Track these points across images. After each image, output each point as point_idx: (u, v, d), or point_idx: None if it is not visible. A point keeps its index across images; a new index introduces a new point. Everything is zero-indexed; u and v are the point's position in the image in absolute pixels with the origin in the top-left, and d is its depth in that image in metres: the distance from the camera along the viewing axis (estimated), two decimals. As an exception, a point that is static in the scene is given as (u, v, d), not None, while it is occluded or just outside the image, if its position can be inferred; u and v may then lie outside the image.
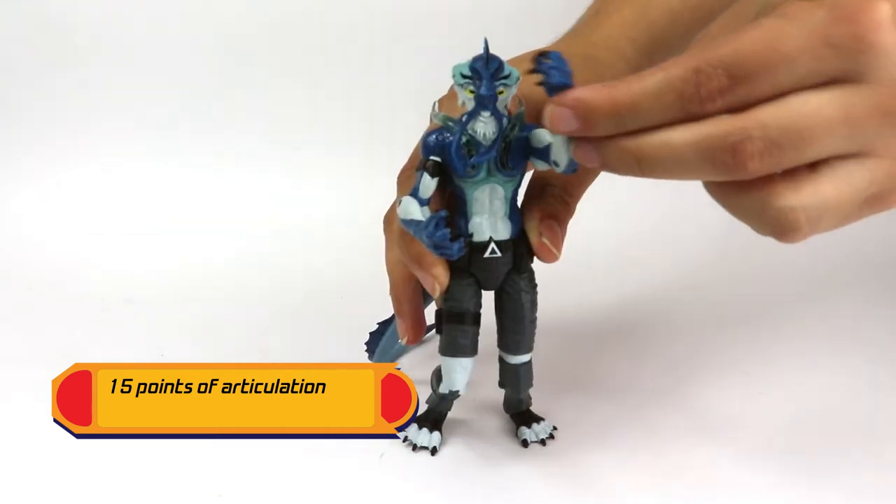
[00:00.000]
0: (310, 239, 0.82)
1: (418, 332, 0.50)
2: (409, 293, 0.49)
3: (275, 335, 0.66)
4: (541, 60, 0.38)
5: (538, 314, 0.48)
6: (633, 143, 0.34)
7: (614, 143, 0.35)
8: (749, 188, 0.33)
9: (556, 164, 0.41)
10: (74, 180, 0.88)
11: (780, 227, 0.33)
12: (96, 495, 0.46)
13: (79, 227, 0.85)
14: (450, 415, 0.51)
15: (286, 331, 0.67)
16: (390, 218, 0.49)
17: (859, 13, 0.32)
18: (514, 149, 0.43)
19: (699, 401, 0.55)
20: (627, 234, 0.82)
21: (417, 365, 0.51)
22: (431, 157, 0.43)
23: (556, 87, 0.37)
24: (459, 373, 0.47)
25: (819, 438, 0.51)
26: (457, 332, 0.46)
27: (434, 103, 0.44)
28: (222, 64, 0.90)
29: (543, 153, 0.42)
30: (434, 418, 0.50)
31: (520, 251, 0.45)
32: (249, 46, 0.90)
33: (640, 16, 0.53)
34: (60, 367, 0.60)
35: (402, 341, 0.51)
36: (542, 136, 0.42)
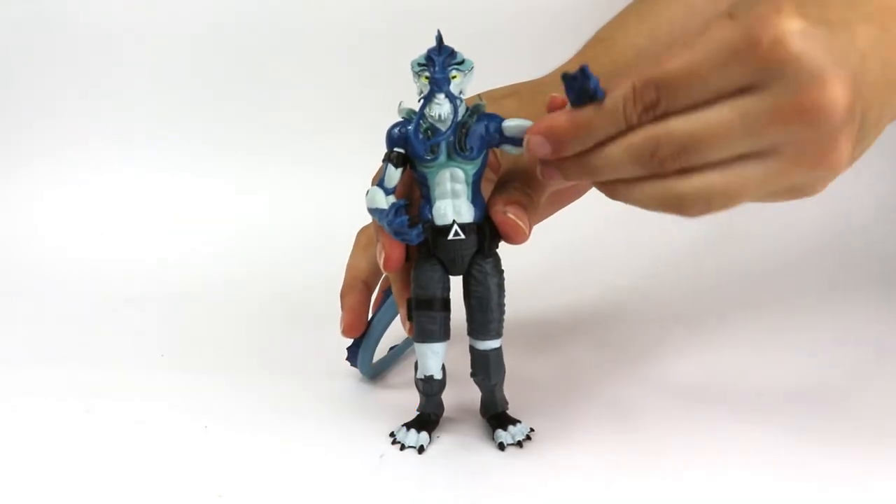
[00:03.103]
0: (313, 242, 0.82)
1: (354, 324, 0.54)
2: (352, 288, 0.55)
3: (275, 336, 0.66)
4: (565, 77, 0.41)
5: (509, 308, 0.48)
6: (584, 158, 0.41)
7: (571, 160, 0.41)
8: (651, 181, 0.40)
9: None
10: (74, 181, 0.88)
11: (677, 208, 0.40)
12: (96, 495, 0.46)
13: (79, 227, 0.85)
14: (452, 415, 0.51)
15: (286, 332, 0.67)
16: (361, 231, 0.56)
17: (763, 31, 0.36)
18: (472, 134, 0.46)
19: (679, 395, 0.55)
20: (604, 229, 0.83)
21: (411, 371, 0.52)
22: (395, 149, 0.46)
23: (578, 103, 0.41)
24: (431, 358, 0.49)
25: (804, 422, 0.51)
26: (426, 318, 0.48)
27: (400, 102, 0.46)
28: (221, 65, 0.90)
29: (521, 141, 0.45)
30: (423, 421, 0.50)
31: (484, 234, 0.47)
32: (246, 50, 0.90)
33: (602, 53, 0.55)
34: (61, 367, 0.61)
35: (340, 331, 0.55)
36: (524, 125, 0.45)
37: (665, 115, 0.38)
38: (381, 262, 0.48)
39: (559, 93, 0.43)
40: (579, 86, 0.41)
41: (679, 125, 0.38)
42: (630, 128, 0.39)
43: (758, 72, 0.36)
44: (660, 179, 0.40)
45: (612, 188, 0.42)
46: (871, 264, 0.78)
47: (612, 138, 0.40)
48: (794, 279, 0.76)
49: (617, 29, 0.58)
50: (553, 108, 0.43)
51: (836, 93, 0.36)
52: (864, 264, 0.78)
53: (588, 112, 0.40)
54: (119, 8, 0.89)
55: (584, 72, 0.40)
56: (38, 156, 0.89)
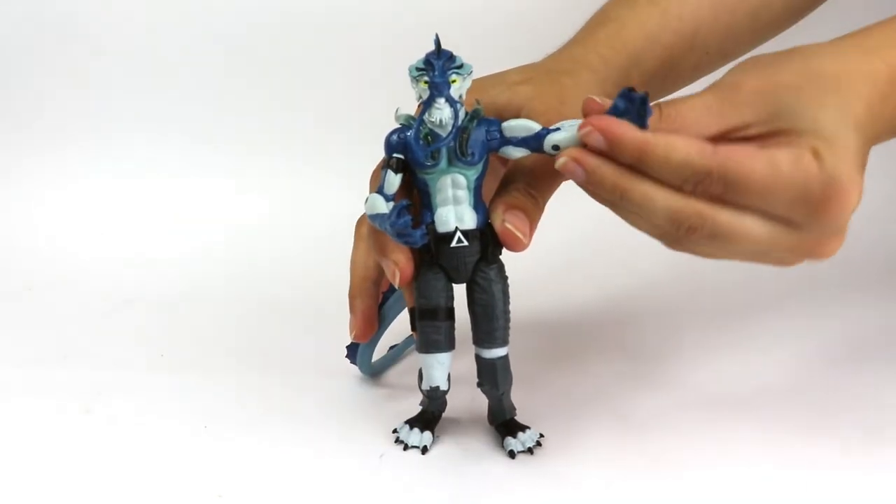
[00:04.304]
0: (313, 242, 0.82)
1: (366, 330, 0.52)
2: (363, 291, 0.52)
3: (274, 336, 0.66)
4: (627, 94, 0.42)
5: (514, 311, 0.48)
6: (626, 184, 0.41)
7: (612, 176, 0.42)
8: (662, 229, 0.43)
9: (555, 147, 0.44)
10: (74, 181, 0.88)
11: (670, 246, 0.44)
12: (96, 495, 0.46)
13: (78, 227, 0.85)
14: (451, 415, 0.51)
15: (286, 332, 0.67)
16: (361, 220, 0.53)
17: (838, 199, 0.41)
18: (473, 139, 0.45)
19: (687, 399, 0.55)
20: (607, 230, 0.82)
21: (411, 371, 0.52)
22: (395, 155, 0.45)
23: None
24: (437, 368, 0.48)
25: (808, 420, 0.51)
26: (430, 328, 0.48)
27: (397, 108, 0.46)
28: (222, 65, 0.90)
29: (524, 141, 0.45)
30: (426, 419, 0.50)
31: (487, 240, 0.46)
32: (246, 50, 0.90)
33: (613, 35, 0.55)
34: (61, 368, 0.61)
35: (351, 336, 0.53)
36: (527, 125, 0.45)
37: (716, 202, 0.41)
38: (394, 280, 0.47)
39: (573, 83, 0.45)
40: (632, 107, 0.41)
41: (725, 220, 0.41)
42: (679, 189, 0.41)
43: (810, 219, 0.41)
44: (672, 233, 0.43)
45: (619, 209, 0.43)
46: (872, 264, 0.78)
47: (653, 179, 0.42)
48: (795, 279, 0.75)
49: (628, 8, 0.57)
50: (589, 110, 0.43)
51: (839, 245, 0.43)
52: (865, 264, 0.78)
53: (661, 149, 0.41)
54: (119, 7, 0.89)
55: (644, 99, 0.41)
56: (37, 155, 0.89)
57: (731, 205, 0.41)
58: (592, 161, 0.42)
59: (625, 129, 0.41)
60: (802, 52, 0.44)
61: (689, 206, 0.41)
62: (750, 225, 0.42)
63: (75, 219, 0.86)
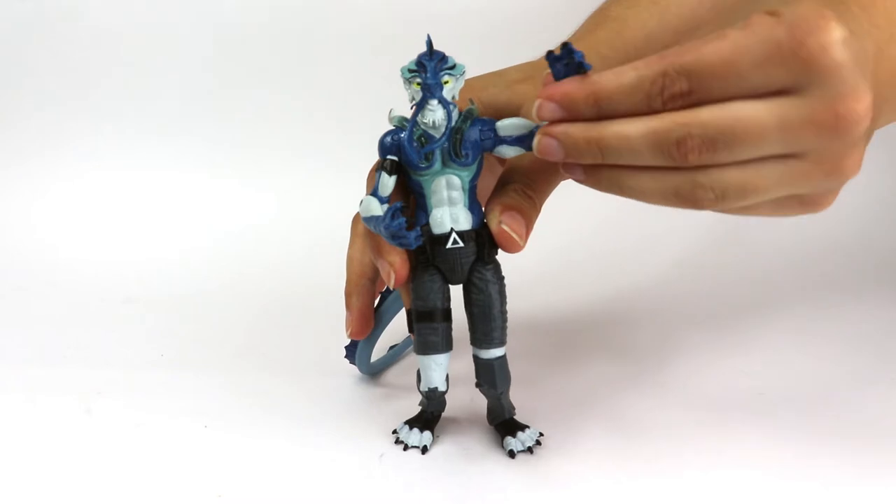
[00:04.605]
0: (312, 242, 0.82)
1: (363, 327, 0.52)
2: (359, 288, 0.52)
3: (274, 336, 0.66)
4: (549, 55, 0.41)
5: (511, 311, 0.48)
6: (597, 131, 0.39)
7: (581, 133, 0.40)
8: (663, 172, 0.39)
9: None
10: (74, 180, 0.88)
11: (688, 201, 0.39)
12: (96, 495, 0.46)
13: (78, 227, 0.85)
14: (451, 415, 0.51)
15: (286, 331, 0.67)
16: (357, 218, 0.53)
17: (809, 35, 0.36)
18: (467, 140, 0.45)
19: (685, 399, 0.55)
20: (606, 230, 0.83)
21: (410, 371, 0.52)
22: (389, 157, 0.45)
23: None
24: (434, 370, 0.48)
25: (807, 421, 0.51)
26: (427, 330, 0.48)
27: (390, 110, 0.46)
28: (224, 65, 0.90)
29: (519, 140, 0.45)
30: (426, 419, 0.50)
31: (483, 241, 0.46)
32: (249, 49, 0.90)
33: (615, 35, 0.55)
34: (61, 368, 0.61)
35: (347, 333, 0.53)
36: (521, 123, 0.45)
37: (694, 106, 0.38)
38: (389, 281, 0.47)
39: None
40: (567, 62, 0.41)
41: (712, 116, 0.37)
42: (651, 111, 0.38)
43: (799, 75, 0.36)
44: (675, 172, 0.39)
45: (614, 177, 0.41)
46: (873, 265, 0.78)
47: (627, 117, 0.39)
48: (796, 280, 0.76)
49: (628, 7, 0.57)
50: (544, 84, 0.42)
51: (867, 105, 0.37)
52: (865, 265, 0.78)
53: (609, 81, 0.39)
54: (122, 5, 0.89)
55: (567, 47, 0.40)
56: (37, 155, 0.89)
57: (711, 99, 0.37)
58: (559, 128, 0.41)
59: (567, 84, 0.40)
60: None
61: (667, 119, 0.38)
62: (743, 110, 0.37)
63: (75, 218, 0.86)
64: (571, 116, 0.40)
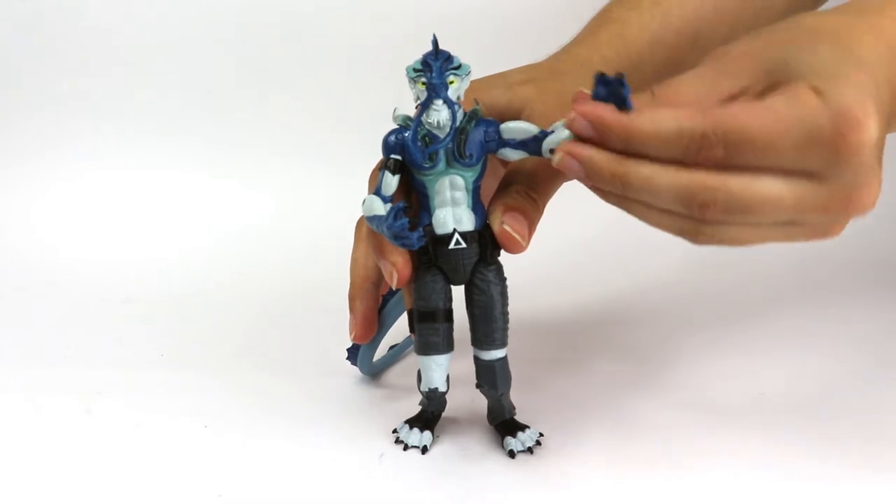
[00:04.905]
0: (312, 242, 0.82)
1: (366, 331, 0.52)
2: (363, 292, 0.52)
3: (274, 336, 0.66)
4: (600, 76, 0.40)
5: (512, 311, 0.48)
6: (623, 169, 0.39)
7: (608, 166, 0.40)
8: (679, 217, 0.40)
9: (552, 151, 0.43)
10: (74, 180, 0.88)
11: (690, 240, 0.41)
12: (96, 495, 0.46)
13: (78, 227, 0.85)
14: (451, 415, 0.51)
15: (286, 331, 0.67)
16: (361, 221, 0.52)
17: (851, 131, 0.37)
18: (471, 140, 0.45)
19: (686, 400, 0.55)
20: (607, 231, 0.82)
21: (410, 371, 0.52)
22: (392, 156, 0.45)
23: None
24: (435, 370, 0.48)
25: (810, 424, 0.51)
26: (429, 330, 0.47)
27: (395, 108, 0.45)
28: (224, 65, 0.90)
29: (523, 144, 0.44)
30: (426, 419, 0.50)
31: (485, 242, 0.46)
32: (248, 49, 0.90)
33: (616, 36, 0.55)
34: (61, 368, 0.61)
35: (351, 337, 0.52)
36: (526, 128, 0.44)
37: (723, 168, 0.38)
38: (391, 281, 0.47)
39: (575, 83, 0.43)
40: (612, 91, 0.40)
41: (738, 187, 0.38)
42: (682, 163, 0.39)
43: (830, 165, 0.38)
44: (688, 218, 0.40)
45: (624, 203, 0.41)
46: (873, 265, 0.78)
47: (653, 159, 0.39)
48: (796, 280, 0.76)
49: (630, 8, 0.56)
50: (577, 101, 0.41)
51: (876, 195, 0.39)
52: (865, 265, 0.78)
53: (647, 124, 0.39)
54: (123, 6, 0.89)
55: (621, 80, 0.40)
56: (37, 155, 0.89)
57: (740, 168, 0.38)
58: (585, 151, 0.40)
59: (607, 110, 0.40)
60: (794, 17, 0.42)
61: (696, 180, 0.38)
62: (768, 187, 0.38)
63: (75, 218, 0.86)
64: (600, 141, 0.40)
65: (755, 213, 0.39)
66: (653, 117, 0.38)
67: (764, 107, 0.38)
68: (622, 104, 0.40)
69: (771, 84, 0.39)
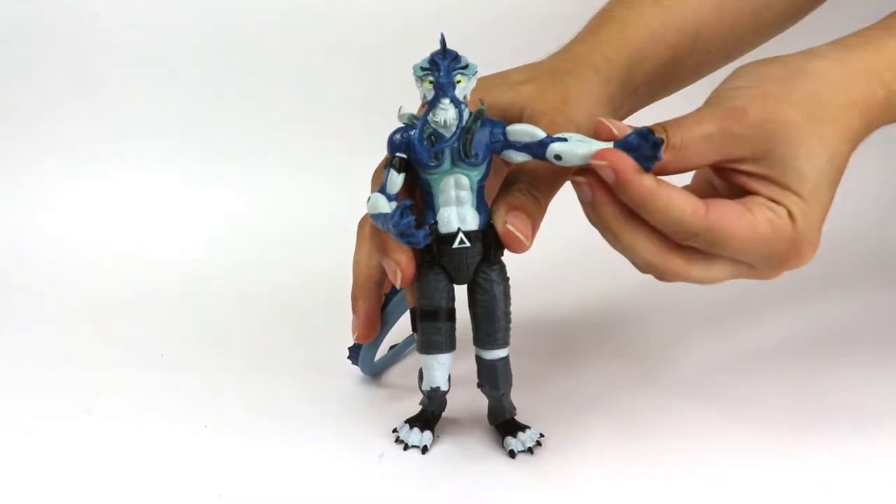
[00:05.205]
0: (313, 242, 0.82)
1: (369, 331, 0.52)
2: (366, 292, 0.52)
3: (275, 336, 0.66)
4: (642, 133, 0.42)
5: (514, 310, 0.48)
6: (619, 229, 0.44)
7: (611, 217, 0.44)
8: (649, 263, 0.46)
9: (557, 157, 0.44)
10: (74, 181, 0.88)
11: (657, 277, 0.47)
12: (97, 495, 0.46)
13: (78, 227, 0.85)
14: (451, 415, 0.51)
15: (286, 331, 0.67)
16: (364, 221, 0.53)
17: (797, 259, 0.46)
18: (477, 140, 0.45)
19: (687, 399, 0.55)
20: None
21: (411, 371, 0.52)
22: (397, 154, 0.45)
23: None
24: (437, 369, 0.48)
25: (809, 421, 0.51)
26: (431, 329, 0.47)
27: (400, 107, 0.45)
28: (219, 67, 0.90)
29: (527, 147, 0.45)
30: (426, 418, 0.50)
31: (489, 241, 0.46)
32: (243, 51, 0.90)
33: (617, 35, 0.55)
34: (61, 368, 0.61)
35: (353, 337, 0.52)
36: (531, 131, 0.45)
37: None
38: (395, 280, 0.47)
39: (576, 82, 0.47)
40: (646, 150, 0.42)
41: (696, 274, 0.46)
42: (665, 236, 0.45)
43: (767, 267, 0.47)
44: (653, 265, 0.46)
45: (608, 238, 0.46)
46: (872, 265, 0.78)
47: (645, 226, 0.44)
48: (796, 280, 0.75)
49: (631, 7, 0.57)
50: (601, 135, 0.44)
51: (809, 260, 0.46)
52: (865, 265, 0.78)
53: (659, 203, 0.43)
54: (119, 9, 0.89)
55: (658, 146, 0.42)
56: (37, 156, 0.89)
57: (705, 255, 0.45)
58: (603, 196, 0.44)
59: (636, 176, 0.42)
60: (811, 72, 0.46)
61: (667, 264, 0.45)
62: (717, 270, 0.46)
63: (76, 218, 0.86)
64: (614, 191, 0.43)
65: (702, 284, 0.47)
66: (668, 199, 0.43)
67: (750, 223, 0.44)
68: (647, 165, 0.42)
69: (765, 175, 0.45)
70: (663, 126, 0.44)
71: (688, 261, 0.45)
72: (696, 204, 0.43)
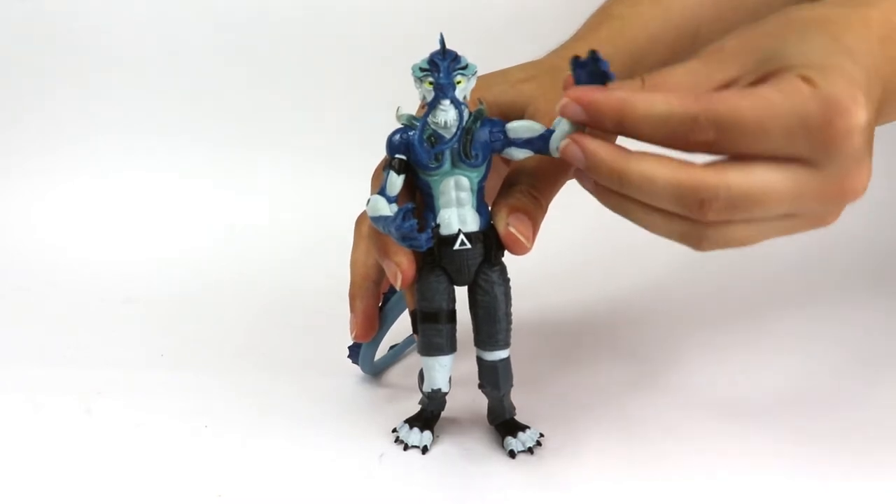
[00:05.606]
0: (312, 242, 0.82)
1: (367, 330, 0.52)
2: (364, 291, 0.52)
3: (275, 335, 0.66)
4: (575, 60, 0.41)
5: (514, 311, 0.48)
6: (623, 162, 0.40)
7: (608, 160, 0.40)
8: (679, 219, 0.40)
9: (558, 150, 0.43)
10: (74, 181, 0.88)
11: (693, 245, 0.41)
12: (96, 495, 0.46)
13: (78, 227, 0.85)
14: (451, 415, 0.51)
15: (286, 331, 0.67)
16: (361, 219, 0.52)
17: (839, 117, 0.38)
18: (476, 140, 0.45)
19: (686, 400, 0.55)
20: (608, 231, 0.82)
21: (411, 371, 0.51)
22: (397, 155, 0.45)
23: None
24: (438, 371, 0.48)
25: (807, 422, 0.51)
26: (432, 331, 0.47)
27: (398, 108, 0.45)
28: (221, 65, 0.90)
29: (528, 142, 0.45)
30: (426, 418, 0.50)
31: (490, 243, 0.46)
32: (246, 50, 0.90)
33: (617, 33, 0.55)
34: (61, 367, 0.61)
35: (352, 336, 0.52)
36: (531, 126, 0.45)
37: (714, 152, 0.39)
38: (395, 282, 0.46)
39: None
40: (591, 70, 0.41)
41: (738, 181, 0.39)
42: (673, 147, 0.39)
43: (819, 151, 0.38)
44: (686, 219, 0.40)
45: (624, 205, 0.42)
46: (872, 265, 0.78)
47: (645, 154, 0.40)
48: (796, 280, 0.76)
49: (631, 5, 0.57)
50: (567, 86, 0.42)
51: (867, 180, 0.40)
52: (865, 265, 0.78)
53: (638, 106, 0.39)
54: (120, 7, 0.89)
55: (594, 55, 0.41)
56: (37, 155, 0.89)
57: (733, 152, 0.39)
58: (590, 143, 0.41)
59: (596, 91, 0.40)
60: (786, 9, 0.43)
61: (695, 176, 0.39)
62: (764, 176, 0.39)
63: (76, 218, 0.86)
64: (593, 123, 0.41)
65: (756, 206, 0.39)
66: (645, 99, 0.39)
67: (755, 93, 0.39)
68: (605, 78, 0.41)
69: (763, 74, 0.40)
70: (640, 75, 0.42)
71: (717, 168, 0.39)
72: (683, 94, 0.39)
